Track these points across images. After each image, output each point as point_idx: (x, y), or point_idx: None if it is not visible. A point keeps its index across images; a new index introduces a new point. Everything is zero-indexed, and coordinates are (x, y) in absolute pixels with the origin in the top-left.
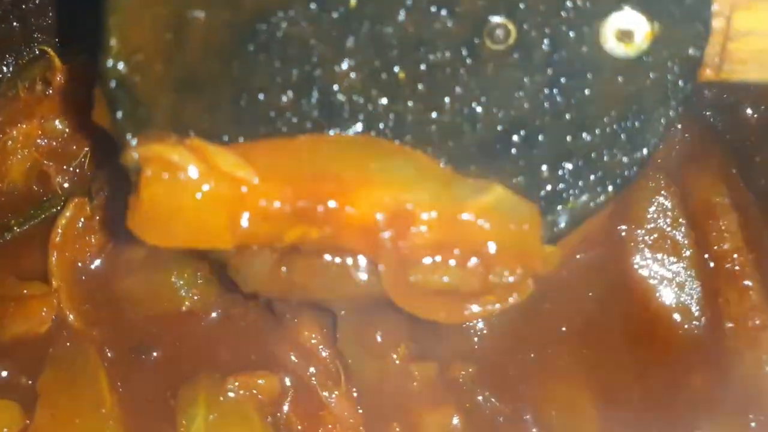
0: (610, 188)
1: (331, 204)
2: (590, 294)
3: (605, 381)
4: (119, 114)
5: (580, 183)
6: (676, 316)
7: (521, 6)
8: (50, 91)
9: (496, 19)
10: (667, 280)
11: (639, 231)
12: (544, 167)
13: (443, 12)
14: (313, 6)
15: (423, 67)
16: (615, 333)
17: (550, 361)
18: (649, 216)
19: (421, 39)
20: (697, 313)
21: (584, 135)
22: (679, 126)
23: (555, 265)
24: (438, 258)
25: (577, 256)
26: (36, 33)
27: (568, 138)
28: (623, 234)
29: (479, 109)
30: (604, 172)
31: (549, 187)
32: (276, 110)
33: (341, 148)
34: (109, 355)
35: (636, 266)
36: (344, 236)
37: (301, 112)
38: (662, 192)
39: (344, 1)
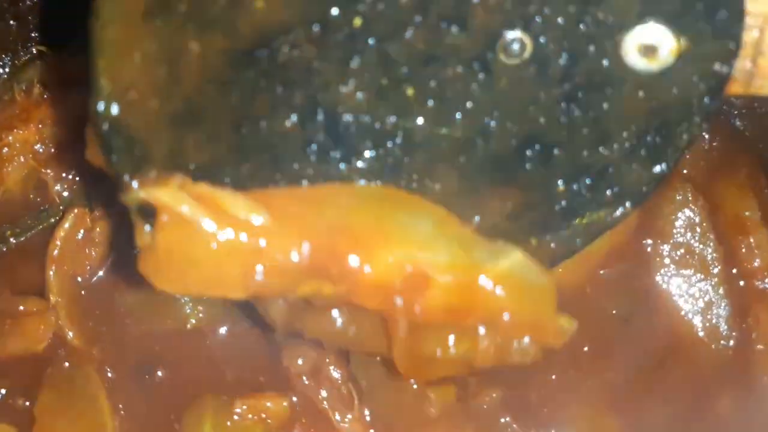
0: (627, 204)
1: (348, 262)
2: (614, 312)
3: (630, 404)
4: (114, 157)
5: (597, 198)
6: (704, 336)
7: (538, 20)
8: (48, 95)
9: (511, 34)
10: (694, 297)
11: (665, 246)
12: (559, 182)
13: (454, 28)
14: (316, 28)
15: (433, 83)
16: (639, 353)
17: (572, 383)
18: (675, 230)
19: (431, 55)
20: (725, 333)
21: (602, 150)
22: (707, 136)
23: (568, 337)
24: (450, 331)
25: (600, 272)
26: (34, 32)
27: (585, 153)
28: (649, 249)
29: (492, 124)
30: (622, 188)
31: (564, 203)
32: (279, 135)
33: (360, 200)
34: (109, 375)
35: (661, 283)
36: (358, 294)
37: (305, 136)
38: (690, 205)
39: (348, 22)
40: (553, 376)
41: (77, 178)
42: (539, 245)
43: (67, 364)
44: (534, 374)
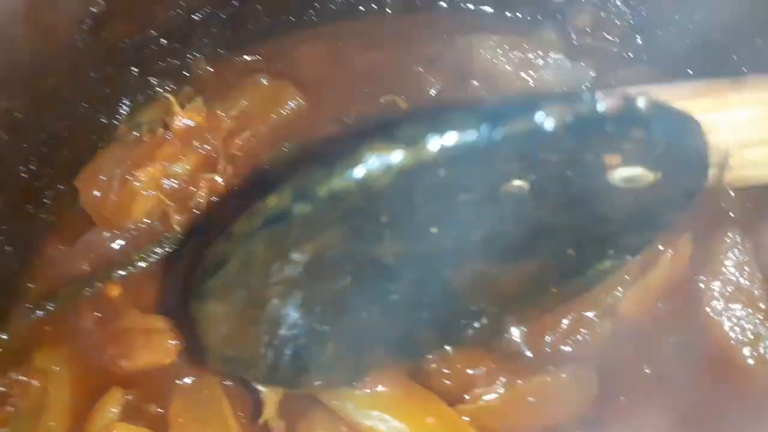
0: (627, 257)
1: None
2: (670, 341)
3: (688, 427)
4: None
5: (601, 255)
6: (753, 365)
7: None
8: (170, 136)
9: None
10: (743, 329)
11: (716, 282)
12: (569, 250)
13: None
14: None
15: (453, 218)
16: (694, 381)
17: (638, 403)
18: (725, 269)
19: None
20: None
21: (601, 229)
22: None
23: None
24: None
25: (658, 305)
26: (151, 76)
27: (588, 231)
28: (701, 285)
29: (507, 228)
30: (620, 249)
31: (575, 261)
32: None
33: None
34: (230, 385)
35: (713, 315)
36: None
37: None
38: (738, 246)
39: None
40: (622, 398)
41: (195, 210)
42: (558, 291)
43: (193, 377)
44: (606, 396)
